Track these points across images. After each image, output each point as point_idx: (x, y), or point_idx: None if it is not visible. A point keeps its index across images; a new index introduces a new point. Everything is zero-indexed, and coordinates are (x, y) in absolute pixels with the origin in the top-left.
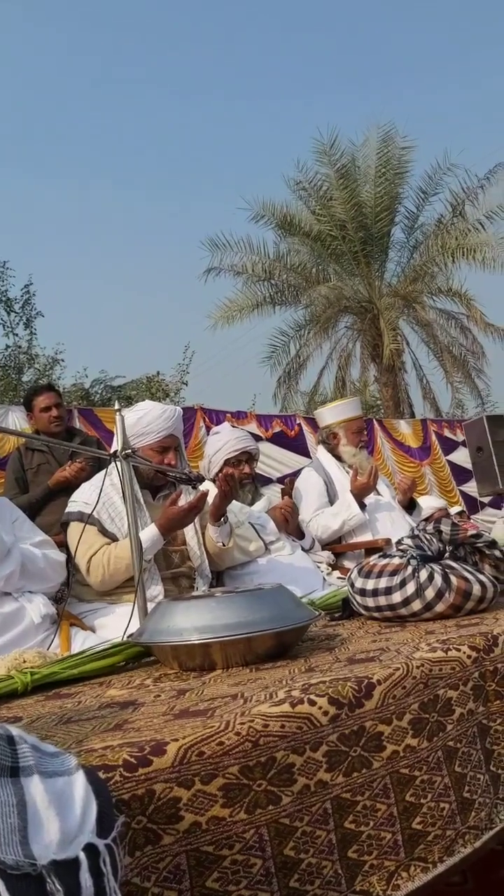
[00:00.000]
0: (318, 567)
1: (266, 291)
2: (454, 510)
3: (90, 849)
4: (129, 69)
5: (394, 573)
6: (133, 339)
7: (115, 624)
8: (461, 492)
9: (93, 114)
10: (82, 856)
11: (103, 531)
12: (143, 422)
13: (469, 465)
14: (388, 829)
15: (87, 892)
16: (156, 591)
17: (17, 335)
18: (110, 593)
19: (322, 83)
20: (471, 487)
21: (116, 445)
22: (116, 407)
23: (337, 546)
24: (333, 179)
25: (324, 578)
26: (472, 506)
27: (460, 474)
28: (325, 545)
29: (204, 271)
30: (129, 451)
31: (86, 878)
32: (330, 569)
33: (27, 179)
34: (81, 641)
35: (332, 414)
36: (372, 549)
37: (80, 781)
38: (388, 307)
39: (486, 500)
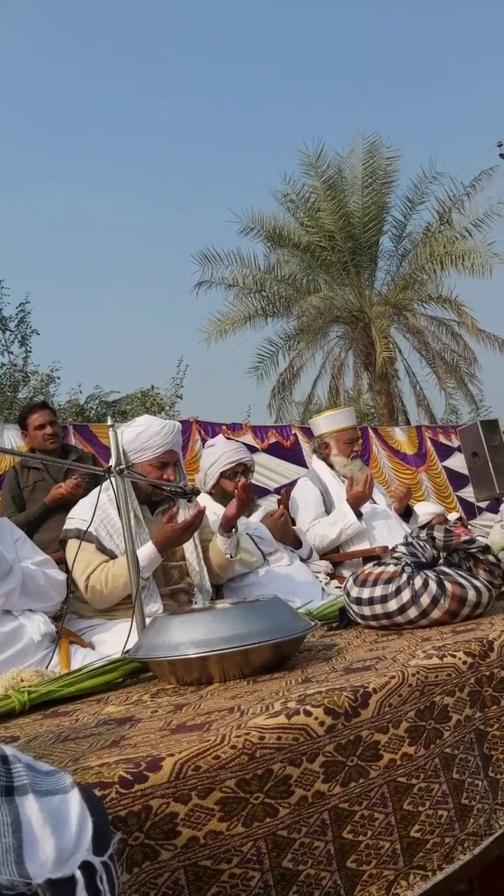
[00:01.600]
0: (317, 577)
1: (257, 303)
2: (452, 517)
3: (86, 866)
4: (116, 81)
5: (389, 581)
6: (127, 353)
7: (114, 640)
8: (458, 497)
9: (80, 128)
10: (78, 874)
11: (101, 548)
12: (142, 437)
13: (465, 471)
14: (387, 838)
15: None
16: (155, 607)
17: (12, 353)
18: (109, 610)
19: (308, 95)
20: (468, 493)
21: (112, 461)
22: (109, 423)
23: (335, 555)
24: (321, 191)
25: (322, 588)
26: (470, 511)
27: (457, 480)
28: (323, 555)
29: (195, 285)
30: (124, 466)
31: None
32: (328, 578)
33: (17, 196)
34: (81, 658)
35: (324, 424)
36: (369, 557)
37: (75, 800)
38: (379, 316)
39: (483, 504)
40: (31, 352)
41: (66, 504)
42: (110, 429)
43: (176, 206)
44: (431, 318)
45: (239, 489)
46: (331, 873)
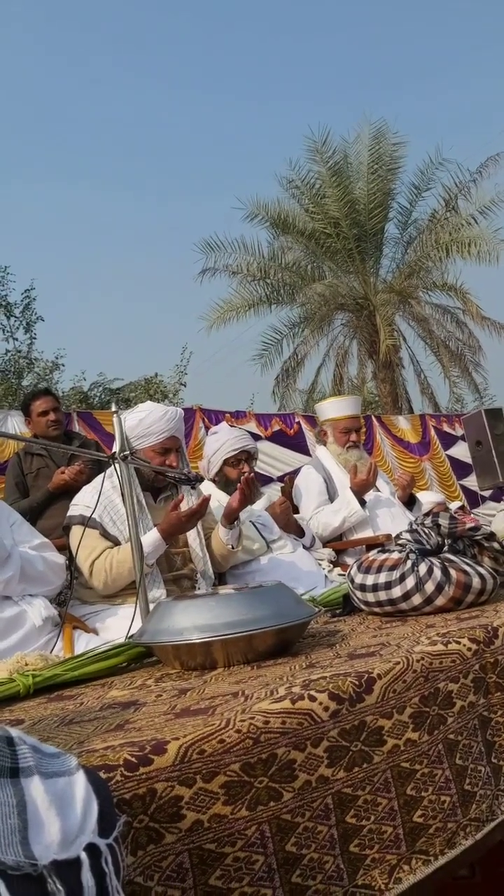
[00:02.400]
0: (320, 564)
1: (262, 291)
2: (454, 505)
3: (91, 848)
4: (118, 71)
5: (393, 568)
6: (131, 341)
7: (117, 625)
8: (462, 486)
9: (84, 116)
10: (83, 855)
11: (105, 534)
12: (144, 423)
13: (469, 460)
14: (390, 822)
15: (90, 892)
16: (158, 593)
17: (17, 339)
18: (113, 595)
19: (314, 82)
20: (471, 481)
21: (116, 447)
22: (114, 409)
23: (338, 543)
24: (326, 177)
25: (325, 576)
26: (473, 500)
27: (460, 469)
28: (327, 542)
29: (199, 272)
30: (128, 452)
31: (87, 878)
32: (331, 566)
33: (20, 184)
34: (85, 643)
35: (324, 410)
36: (373, 545)
37: (80, 781)
38: (384, 303)
39: (486, 493)
40: (35, 338)
41: (69, 490)
42: (114, 415)
43: (180, 193)
44: (436, 306)
45: (242, 483)
46: (334, 857)
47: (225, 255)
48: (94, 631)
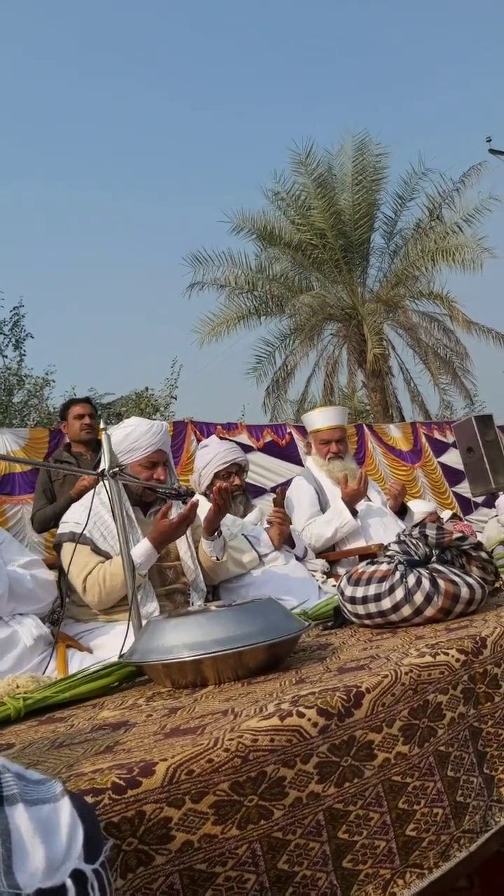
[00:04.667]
0: (313, 576)
1: (250, 303)
2: (446, 514)
3: (77, 875)
4: (104, 80)
5: (382, 579)
6: (120, 355)
7: (111, 643)
8: (454, 493)
9: (69, 128)
10: (69, 882)
11: (96, 550)
12: (130, 438)
13: (461, 466)
14: (382, 837)
15: None
16: (151, 607)
17: (6, 357)
18: (107, 612)
19: (298, 94)
20: (463, 488)
21: (104, 464)
22: (102, 426)
23: (330, 554)
24: (311, 188)
25: (319, 587)
26: (466, 507)
27: (452, 476)
28: (319, 553)
29: (188, 286)
30: (117, 469)
31: None
32: (325, 577)
33: (8, 199)
34: (79, 663)
35: (307, 422)
36: (365, 555)
37: (65, 808)
38: (371, 313)
39: (479, 500)
40: (25, 355)
41: (80, 500)
42: (103, 432)
43: (167, 207)
44: (423, 314)
45: (214, 493)
46: (327, 874)
47: (213, 268)
48: (87, 649)
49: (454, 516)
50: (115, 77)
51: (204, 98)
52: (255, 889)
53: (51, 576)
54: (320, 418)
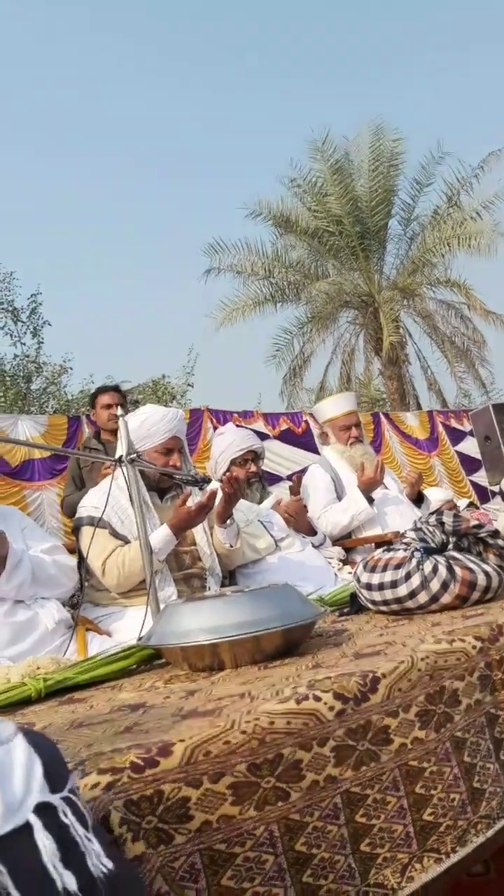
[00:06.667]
0: (329, 563)
1: (266, 290)
2: (462, 502)
3: (44, 807)
4: (121, 66)
5: (398, 566)
6: (137, 343)
7: (130, 627)
8: (471, 482)
9: (82, 118)
10: (33, 818)
11: (115, 534)
12: (146, 425)
13: (478, 455)
14: (400, 821)
15: (49, 851)
16: (168, 592)
17: (24, 344)
18: (125, 596)
19: (315, 80)
20: (480, 477)
21: (121, 450)
22: (119, 413)
23: (347, 541)
24: (328, 175)
25: (335, 574)
26: (483, 495)
27: (469, 464)
28: (336, 541)
29: (204, 272)
30: (134, 455)
31: (42, 838)
32: (341, 564)
33: (22, 188)
34: (98, 646)
35: (320, 412)
36: (381, 543)
37: (19, 747)
38: (388, 300)
39: (495, 488)
40: (43, 342)
41: (99, 485)
42: (120, 419)
43: (184, 194)
44: (440, 302)
45: (224, 483)
46: (345, 857)
47: (229, 255)
48: (106, 633)
49: (471, 505)
50: (134, 66)
51: (223, 84)
52: (274, 870)
53: (72, 561)
54: (334, 406)
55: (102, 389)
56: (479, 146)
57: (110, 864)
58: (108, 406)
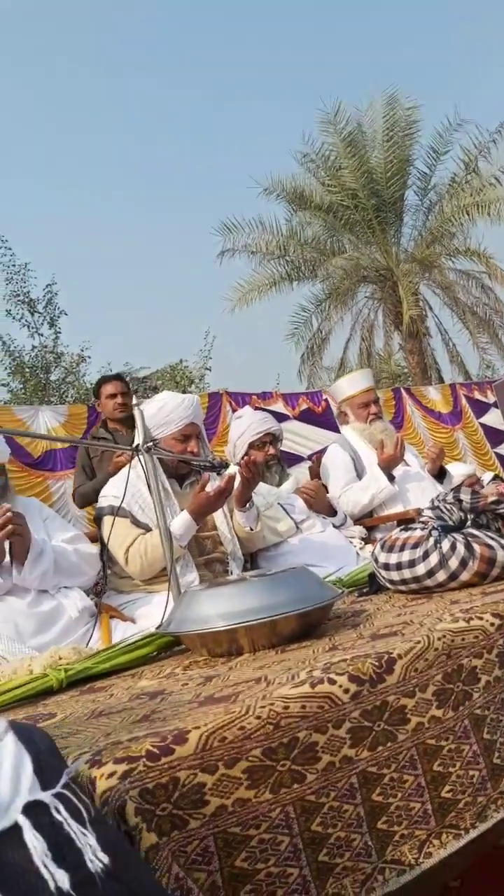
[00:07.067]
0: (351, 542)
1: (282, 268)
2: (487, 476)
3: (34, 806)
4: (126, 49)
5: (416, 546)
6: (155, 328)
7: (153, 613)
8: (496, 454)
9: (97, 102)
10: (21, 819)
11: (136, 522)
12: (163, 412)
13: (502, 427)
14: (417, 799)
15: (40, 851)
16: (191, 577)
17: (42, 335)
18: (148, 582)
19: (326, 51)
20: None
21: (138, 439)
22: (135, 402)
23: (368, 520)
24: (341, 148)
25: (357, 553)
26: None
27: (494, 436)
28: (357, 519)
29: (218, 254)
30: (151, 443)
31: (31, 838)
32: (363, 543)
33: (32, 179)
34: (122, 632)
35: (338, 390)
36: (404, 520)
37: (7, 746)
38: (407, 273)
39: None
40: (60, 332)
41: (118, 474)
42: (136, 407)
43: (196, 176)
44: (460, 272)
45: (242, 467)
46: (361, 835)
47: (243, 235)
48: (131, 619)
49: (496, 478)
50: (143, 43)
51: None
52: (290, 850)
53: (94, 550)
54: (351, 384)
55: (106, 379)
56: (497, 111)
57: (106, 859)
58: (113, 395)
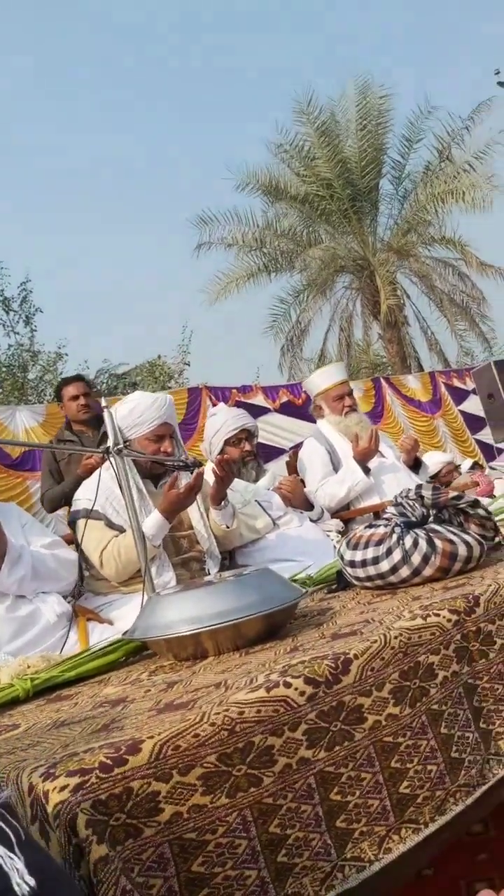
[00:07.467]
0: (328, 536)
1: (259, 260)
2: (466, 463)
3: None
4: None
5: (379, 542)
6: (132, 324)
7: (131, 614)
8: (476, 440)
9: (68, 94)
10: None
11: (110, 524)
12: (135, 413)
13: (482, 413)
14: (376, 796)
15: None
16: (167, 577)
17: (17, 333)
18: (126, 583)
19: (296, 42)
20: (486, 435)
21: (110, 441)
22: (104, 403)
23: (345, 513)
24: (314, 138)
25: (334, 547)
26: (489, 453)
27: (474, 423)
28: (334, 513)
29: (195, 247)
30: (122, 445)
31: None
32: (340, 536)
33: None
34: (98, 635)
35: (312, 385)
36: (380, 512)
37: None
38: (383, 262)
39: (502, 445)
40: (36, 331)
41: (90, 477)
42: (105, 409)
43: (169, 169)
44: (437, 261)
45: (216, 465)
46: (320, 834)
47: (219, 227)
48: (108, 621)
49: (475, 465)
50: (107, 34)
51: (203, 54)
52: (247, 853)
53: (73, 556)
54: (325, 377)
55: (66, 381)
56: (470, 97)
57: (33, 882)
58: (76, 397)
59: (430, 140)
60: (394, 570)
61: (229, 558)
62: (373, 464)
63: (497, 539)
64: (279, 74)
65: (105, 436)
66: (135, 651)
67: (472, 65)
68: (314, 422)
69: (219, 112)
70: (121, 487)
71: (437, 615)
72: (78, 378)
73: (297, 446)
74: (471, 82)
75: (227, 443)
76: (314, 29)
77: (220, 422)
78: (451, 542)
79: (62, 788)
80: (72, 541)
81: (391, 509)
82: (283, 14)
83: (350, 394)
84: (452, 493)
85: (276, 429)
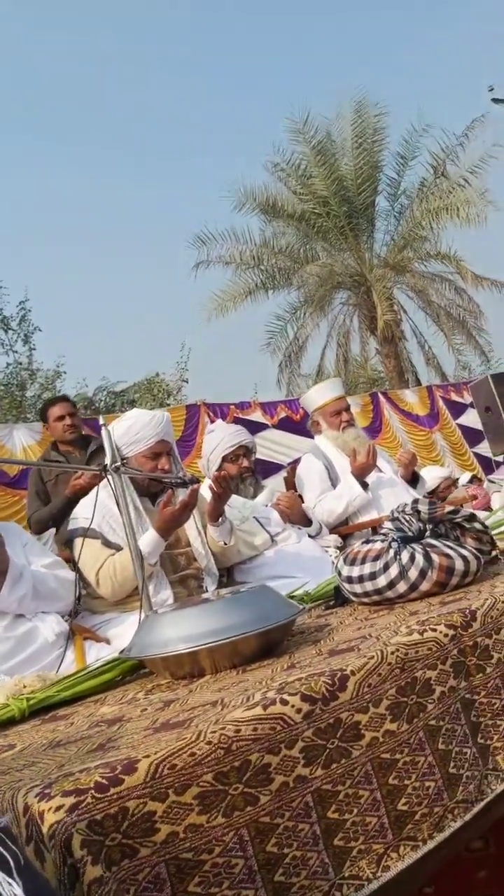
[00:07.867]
0: (326, 551)
1: (257, 278)
2: (464, 477)
3: None
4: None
5: (377, 558)
6: (130, 342)
7: (128, 633)
8: (475, 454)
9: (66, 111)
10: None
11: (107, 543)
12: (132, 430)
13: (480, 427)
14: (374, 813)
15: None
16: (165, 595)
17: (16, 352)
18: (123, 602)
19: (293, 62)
20: (484, 448)
21: (107, 459)
22: (102, 421)
23: (343, 528)
24: (311, 156)
25: (333, 563)
26: (488, 466)
27: (472, 436)
28: (332, 528)
29: (193, 266)
30: (119, 463)
31: None
32: (338, 552)
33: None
34: (95, 654)
35: (309, 401)
36: (379, 527)
37: None
38: (380, 278)
39: (500, 458)
40: (34, 349)
41: (88, 495)
42: (103, 427)
43: (168, 189)
44: (433, 276)
45: (213, 481)
46: (318, 853)
47: (217, 246)
48: (105, 640)
49: (473, 478)
50: (110, 55)
51: (202, 77)
52: (244, 873)
53: (72, 575)
54: (321, 393)
55: (51, 402)
56: (464, 114)
57: None
58: (61, 417)
59: (425, 157)
60: (391, 585)
61: (227, 575)
62: (371, 479)
63: (494, 553)
64: (276, 94)
65: (93, 455)
66: (131, 669)
67: (467, 80)
68: (312, 437)
69: (216, 135)
70: (118, 505)
71: (434, 630)
72: (63, 398)
73: (295, 462)
74: (465, 97)
75: (224, 459)
76: (310, 48)
77: (218, 438)
78: (447, 556)
79: (57, 809)
80: (68, 559)
81: (388, 524)
82: (280, 35)
83: (347, 409)
84: (448, 508)
85: (274, 444)
